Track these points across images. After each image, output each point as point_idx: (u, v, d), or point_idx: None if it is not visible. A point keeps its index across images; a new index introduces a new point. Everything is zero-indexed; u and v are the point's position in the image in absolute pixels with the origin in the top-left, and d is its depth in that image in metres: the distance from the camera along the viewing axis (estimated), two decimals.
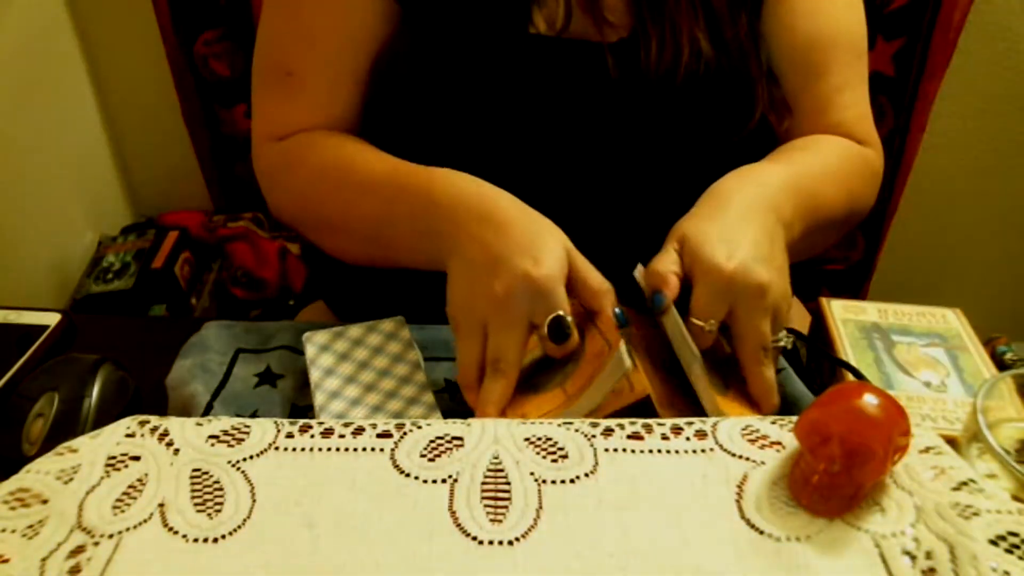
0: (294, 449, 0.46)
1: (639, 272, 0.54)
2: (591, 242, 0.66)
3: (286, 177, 0.67)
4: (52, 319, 0.61)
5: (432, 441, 0.46)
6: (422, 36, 0.63)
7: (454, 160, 0.65)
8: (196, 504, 0.42)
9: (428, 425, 0.47)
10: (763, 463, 0.45)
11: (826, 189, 0.62)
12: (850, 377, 0.54)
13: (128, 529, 0.41)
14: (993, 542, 0.39)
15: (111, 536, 0.41)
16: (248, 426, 0.47)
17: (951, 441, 0.46)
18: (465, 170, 0.65)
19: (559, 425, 0.47)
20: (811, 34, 0.66)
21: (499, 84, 0.62)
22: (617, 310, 0.51)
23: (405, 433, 0.46)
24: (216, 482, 0.44)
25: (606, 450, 0.45)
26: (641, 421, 0.47)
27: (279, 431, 0.47)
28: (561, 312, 0.49)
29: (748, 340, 0.50)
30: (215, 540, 0.41)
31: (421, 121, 0.65)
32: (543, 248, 0.50)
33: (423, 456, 0.45)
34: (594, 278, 0.52)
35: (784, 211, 0.56)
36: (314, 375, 0.53)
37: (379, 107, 0.67)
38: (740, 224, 0.52)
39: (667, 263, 0.52)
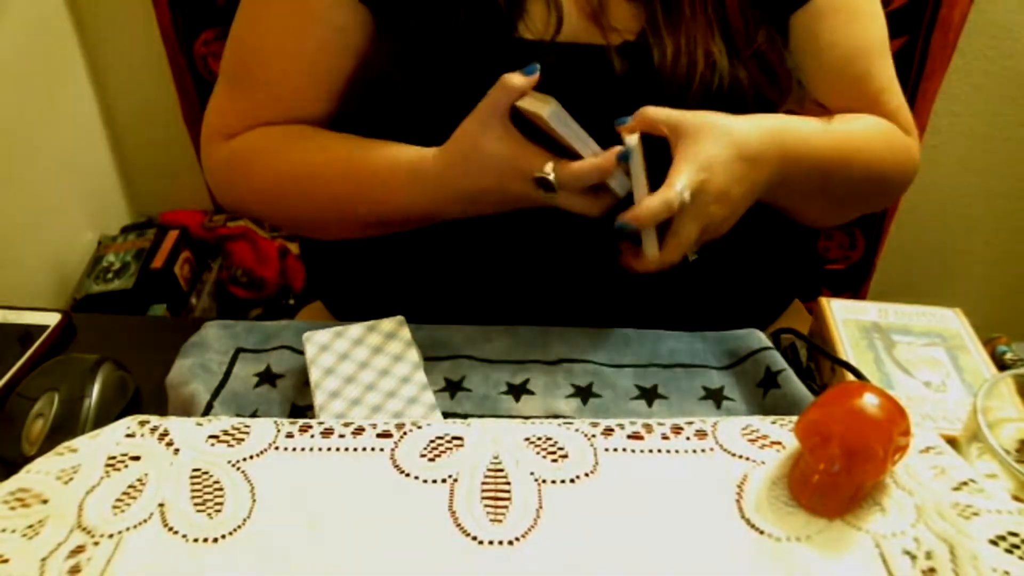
0: (294, 449, 0.46)
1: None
2: (589, 259, 0.65)
3: (243, 180, 0.67)
4: (52, 319, 0.61)
5: (432, 441, 0.46)
6: (403, 47, 0.62)
7: None
8: (196, 504, 0.43)
9: (428, 425, 0.47)
10: (763, 463, 0.45)
11: (840, 150, 0.63)
12: (850, 377, 0.54)
13: (128, 529, 0.41)
14: (993, 542, 0.39)
15: (111, 536, 0.41)
16: (248, 426, 0.47)
17: (951, 441, 0.46)
18: None
19: (559, 425, 0.47)
20: (849, 48, 0.66)
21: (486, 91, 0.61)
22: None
23: (405, 433, 0.47)
24: (216, 482, 0.44)
25: (606, 450, 0.46)
26: (641, 421, 0.47)
27: (279, 431, 0.47)
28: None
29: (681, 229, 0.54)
30: (215, 540, 0.41)
31: (409, 133, 0.64)
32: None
33: (423, 456, 0.45)
34: None
35: (772, 160, 0.58)
36: (314, 375, 0.53)
37: (367, 119, 0.66)
38: (730, 148, 0.55)
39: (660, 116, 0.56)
